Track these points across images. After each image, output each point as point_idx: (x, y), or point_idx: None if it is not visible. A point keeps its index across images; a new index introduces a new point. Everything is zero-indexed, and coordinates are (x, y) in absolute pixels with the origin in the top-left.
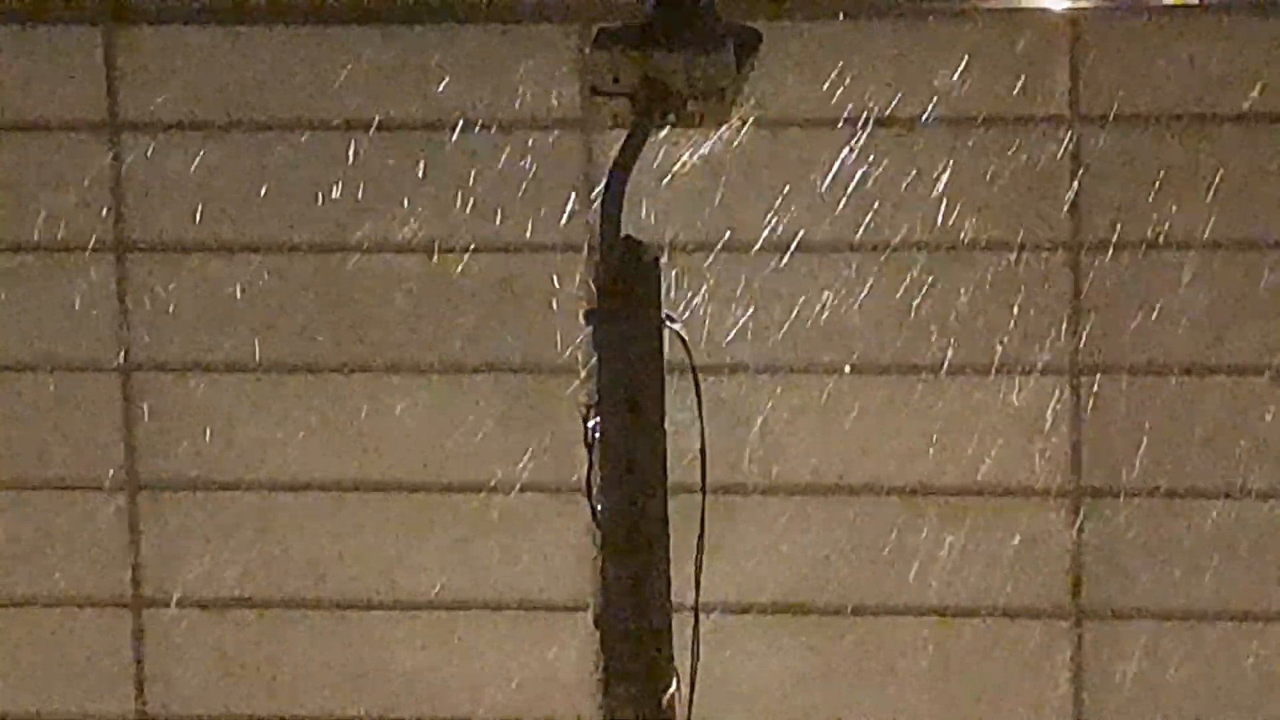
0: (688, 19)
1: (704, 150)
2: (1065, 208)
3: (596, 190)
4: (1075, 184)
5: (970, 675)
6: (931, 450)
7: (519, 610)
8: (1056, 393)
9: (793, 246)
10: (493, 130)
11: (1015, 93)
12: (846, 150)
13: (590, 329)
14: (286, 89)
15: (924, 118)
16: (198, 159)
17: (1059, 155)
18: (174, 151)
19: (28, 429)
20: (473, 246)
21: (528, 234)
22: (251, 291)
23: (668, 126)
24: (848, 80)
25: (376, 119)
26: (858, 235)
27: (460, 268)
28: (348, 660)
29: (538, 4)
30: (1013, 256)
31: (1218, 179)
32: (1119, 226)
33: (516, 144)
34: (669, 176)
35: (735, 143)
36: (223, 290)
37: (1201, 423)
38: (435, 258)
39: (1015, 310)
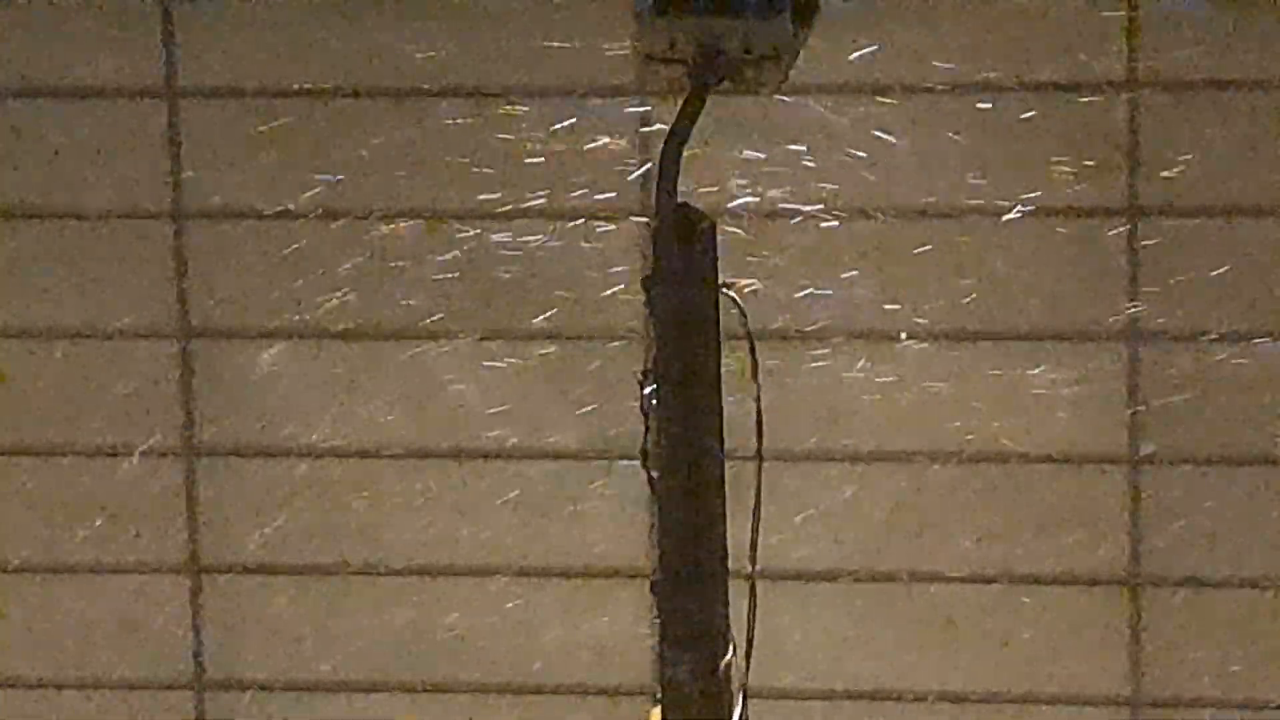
0: None
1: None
2: (1123, 174)
3: (651, 157)
4: (1133, 149)
5: (1028, 643)
6: (988, 418)
7: (575, 577)
8: (1115, 360)
9: (848, 214)
10: (547, 96)
11: (1071, 57)
12: (902, 117)
13: (646, 296)
14: (342, 56)
15: (980, 83)
16: (256, 125)
17: (1116, 120)
18: (232, 117)
19: (86, 396)
20: (528, 214)
21: (583, 200)
22: (309, 257)
23: (723, 93)
24: (902, 46)
25: (427, 87)
26: (910, 202)
27: (514, 235)
28: (405, 626)
29: None
30: (1069, 224)
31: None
32: (1178, 192)
33: (570, 110)
34: (725, 144)
35: (789, 108)
36: (281, 256)
37: (1263, 390)
38: (489, 224)
39: (1072, 278)
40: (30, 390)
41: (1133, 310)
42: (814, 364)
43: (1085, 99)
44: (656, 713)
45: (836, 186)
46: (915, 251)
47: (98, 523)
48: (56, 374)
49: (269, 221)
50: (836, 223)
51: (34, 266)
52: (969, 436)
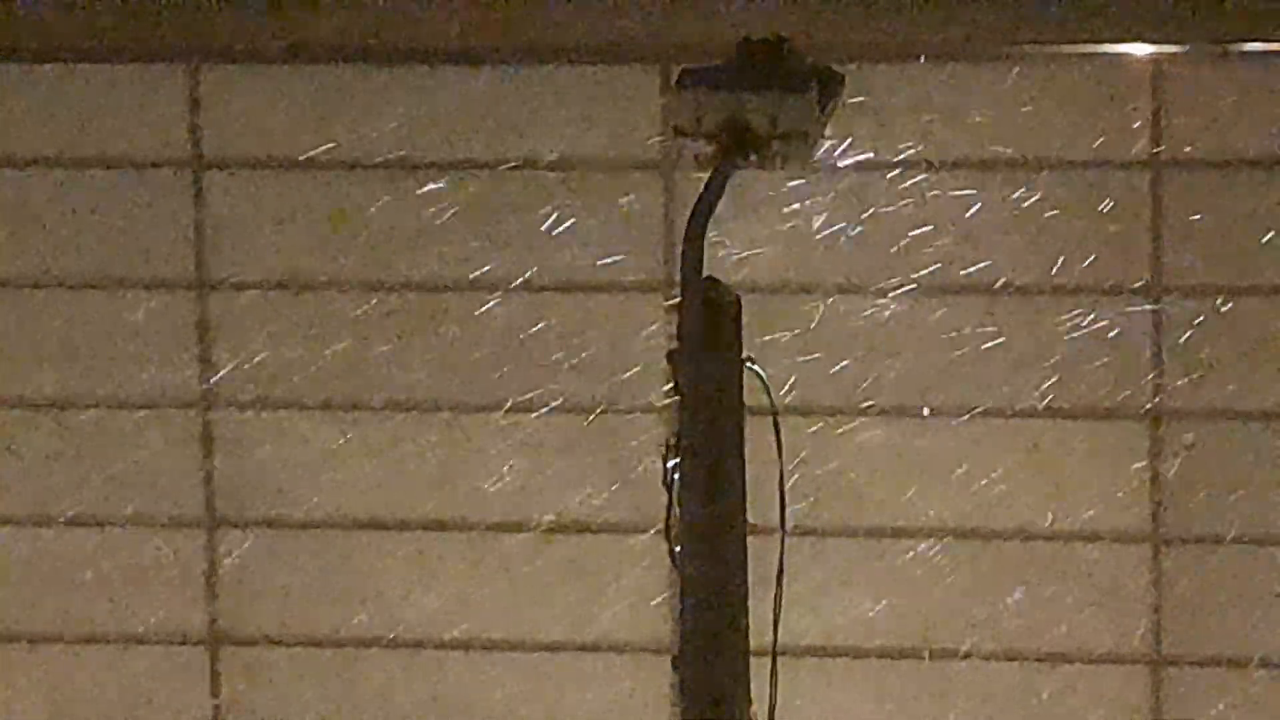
0: (771, 61)
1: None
2: (1147, 251)
3: (677, 231)
4: (1156, 227)
5: (1051, 718)
6: (1011, 494)
7: (597, 650)
8: (1136, 437)
9: (873, 289)
10: (570, 170)
11: (1097, 136)
12: (927, 191)
13: (671, 370)
14: (367, 128)
15: (1004, 160)
16: (279, 196)
17: (1140, 198)
18: (256, 189)
19: (108, 466)
20: (553, 286)
21: (608, 274)
22: (329, 329)
23: (749, 168)
24: (929, 122)
25: (455, 159)
26: (935, 278)
27: (540, 307)
28: (424, 698)
29: (619, 45)
30: (1094, 300)
31: None
32: (1200, 270)
33: (598, 184)
34: (751, 218)
35: (812, 184)
36: (301, 328)
37: None
38: (515, 297)
39: (1096, 356)
40: (53, 459)
41: (1156, 387)
42: (838, 440)
43: (1110, 176)
44: None
45: (860, 263)
46: (939, 329)
47: (118, 593)
48: (79, 443)
49: (291, 292)
50: (860, 299)
51: (59, 335)
52: (992, 514)
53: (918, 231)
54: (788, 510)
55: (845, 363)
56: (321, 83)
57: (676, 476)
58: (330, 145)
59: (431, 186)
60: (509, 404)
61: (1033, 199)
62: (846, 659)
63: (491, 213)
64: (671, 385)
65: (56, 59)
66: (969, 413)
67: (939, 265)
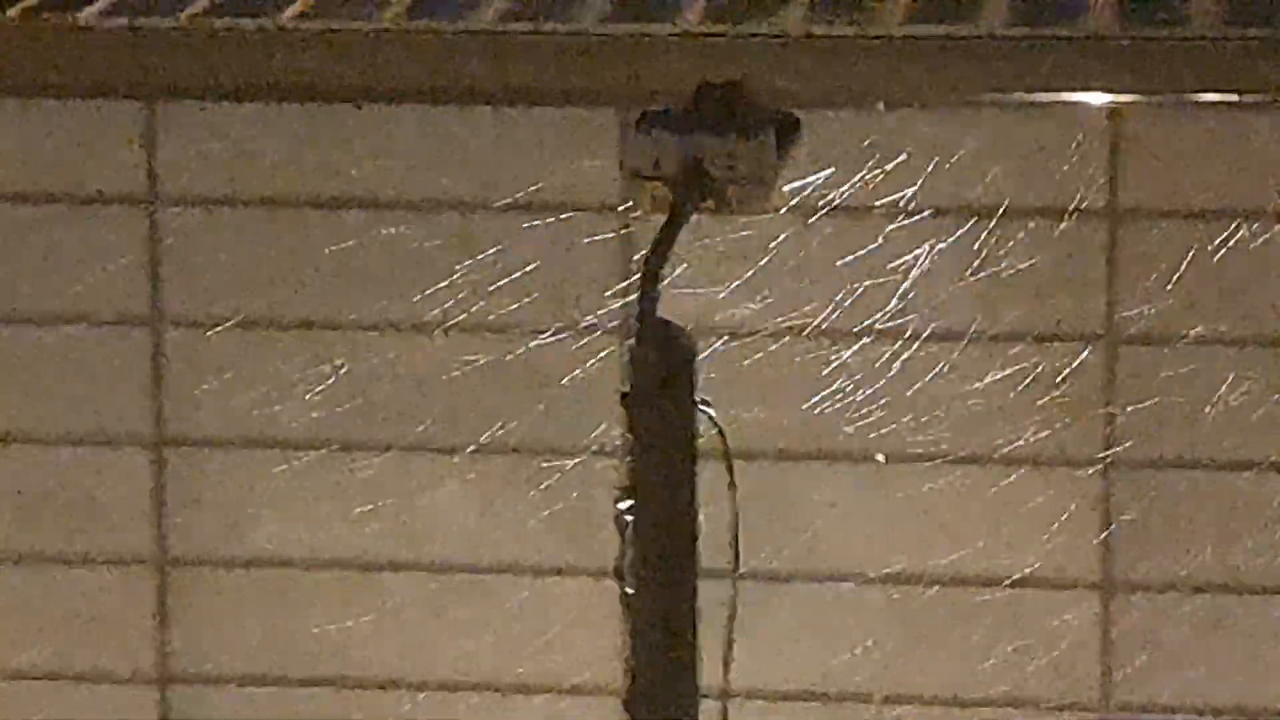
0: (729, 104)
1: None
2: (1101, 301)
3: (633, 274)
4: (1111, 277)
5: None
6: (963, 540)
7: (547, 694)
8: (1088, 485)
9: (827, 334)
10: (527, 212)
11: (1053, 186)
12: (883, 239)
13: (624, 413)
14: (324, 167)
15: (960, 208)
16: (236, 235)
17: (1096, 248)
18: (212, 227)
19: (57, 500)
20: (506, 328)
21: (562, 317)
22: (285, 370)
23: (706, 212)
24: (885, 169)
25: (411, 199)
26: (891, 324)
27: (493, 350)
28: None
29: (574, 87)
30: (1048, 349)
31: (1257, 276)
32: (1155, 321)
33: (552, 227)
34: (706, 263)
35: (772, 229)
36: (256, 367)
37: (1237, 517)
38: (470, 338)
39: (1049, 403)
40: (1, 497)
41: (1108, 434)
42: (790, 483)
43: (1065, 225)
44: None
45: (816, 306)
46: (893, 373)
47: (67, 631)
48: (28, 479)
49: (246, 331)
50: (813, 343)
51: (8, 371)
52: (945, 559)
53: (869, 278)
54: (740, 553)
55: (796, 406)
56: (279, 121)
57: (629, 519)
58: (287, 183)
59: (389, 226)
60: (458, 447)
61: (987, 247)
62: (797, 703)
63: (448, 253)
64: (625, 428)
65: (10, 94)
66: (922, 459)
67: (891, 311)
